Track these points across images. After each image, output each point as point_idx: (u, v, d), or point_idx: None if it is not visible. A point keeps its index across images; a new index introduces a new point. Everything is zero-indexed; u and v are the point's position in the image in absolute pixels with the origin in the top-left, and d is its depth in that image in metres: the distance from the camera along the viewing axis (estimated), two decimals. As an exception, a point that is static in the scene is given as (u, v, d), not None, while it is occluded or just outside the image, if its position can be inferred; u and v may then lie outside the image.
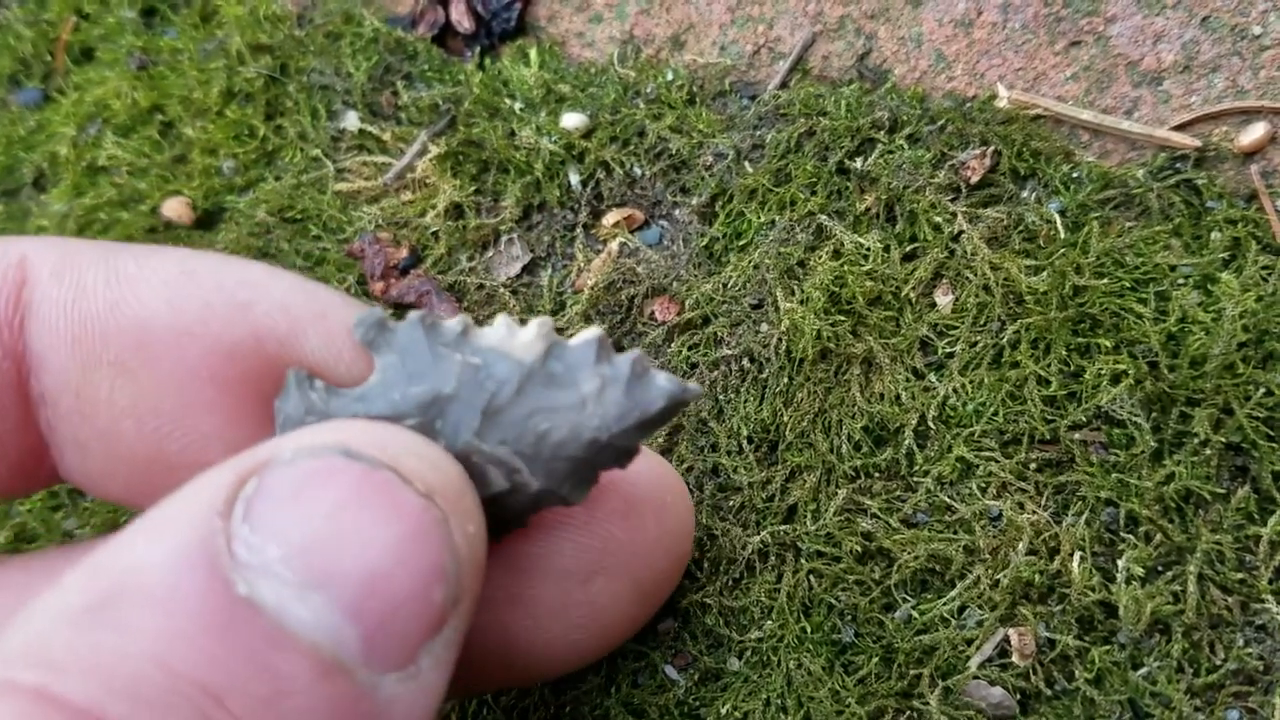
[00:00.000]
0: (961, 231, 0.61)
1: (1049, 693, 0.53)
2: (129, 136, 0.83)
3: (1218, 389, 0.55)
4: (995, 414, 0.58)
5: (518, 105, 0.74)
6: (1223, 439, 0.54)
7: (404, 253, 0.69)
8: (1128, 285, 0.58)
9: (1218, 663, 0.52)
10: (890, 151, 0.64)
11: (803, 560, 0.58)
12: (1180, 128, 0.62)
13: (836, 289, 0.60)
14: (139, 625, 0.32)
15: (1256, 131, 0.60)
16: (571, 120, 0.70)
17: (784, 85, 0.71)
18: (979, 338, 0.60)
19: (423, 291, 0.67)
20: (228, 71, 0.80)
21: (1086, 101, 0.65)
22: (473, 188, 0.71)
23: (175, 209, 0.78)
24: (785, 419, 0.60)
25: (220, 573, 0.33)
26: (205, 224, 0.78)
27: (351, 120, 0.76)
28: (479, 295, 0.68)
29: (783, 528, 0.58)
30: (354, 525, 0.36)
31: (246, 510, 0.35)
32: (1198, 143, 0.61)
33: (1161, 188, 0.61)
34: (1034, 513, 0.56)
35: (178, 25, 0.86)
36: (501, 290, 0.67)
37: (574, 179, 0.70)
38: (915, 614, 0.56)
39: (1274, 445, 0.54)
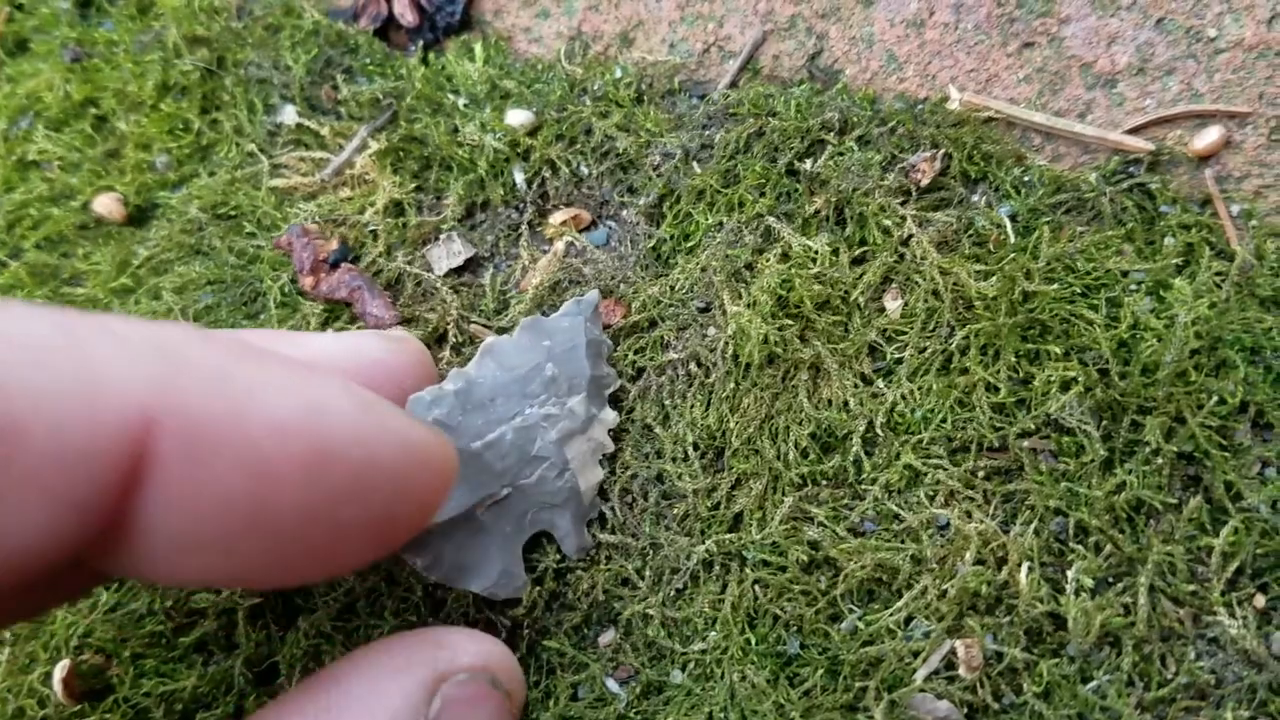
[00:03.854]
0: (911, 235, 0.60)
1: (996, 706, 0.52)
2: (61, 130, 0.80)
3: (1170, 397, 0.54)
4: (944, 421, 0.57)
5: (461, 101, 0.72)
6: (1175, 448, 0.53)
7: (334, 245, 0.67)
8: (1079, 291, 0.57)
9: (1169, 676, 0.51)
10: (840, 153, 0.63)
11: (748, 570, 0.56)
12: (1134, 131, 0.61)
13: (784, 293, 0.59)
14: None
15: (1211, 135, 0.60)
16: (517, 117, 0.68)
17: (734, 84, 0.69)
18: (928, 343, 0.58)
19: (354, 287, 0.65)
20: (164, 64, 0.77)
21: (1039, 104, 0.64)
22: (414, 185, 0.69)
23: (106, 205, 0.75)
24: (731, 425, 0.59)
25: None
26: (137, 220, 0.75)
27: (289, 115, 0.74)
28: (415, 291, 0.66)
29: (728, 536, 0.57)
30: None
31: None
32: (1151, 146, 0.60)
33: (1114, 192, 0.60)
34: (982, 522, 0.55)
35: (114, 17, 0.83)
36: (440, 287, 0.65)
37: (519, 177, 0.68)
38: (861, 625, 0.55)
39: (1226, 455, 0.53)
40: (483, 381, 0.57)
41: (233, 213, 0.72)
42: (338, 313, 0.66)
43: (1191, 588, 0.52)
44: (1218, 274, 0.57)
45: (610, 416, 0.59)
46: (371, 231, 0.68)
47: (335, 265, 0.67)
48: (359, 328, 0.65)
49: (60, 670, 0.60)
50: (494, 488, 0.56)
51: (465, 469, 0.55)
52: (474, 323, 0.64)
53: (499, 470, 0.56)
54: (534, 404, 0.57)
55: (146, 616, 0.62)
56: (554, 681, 0.57)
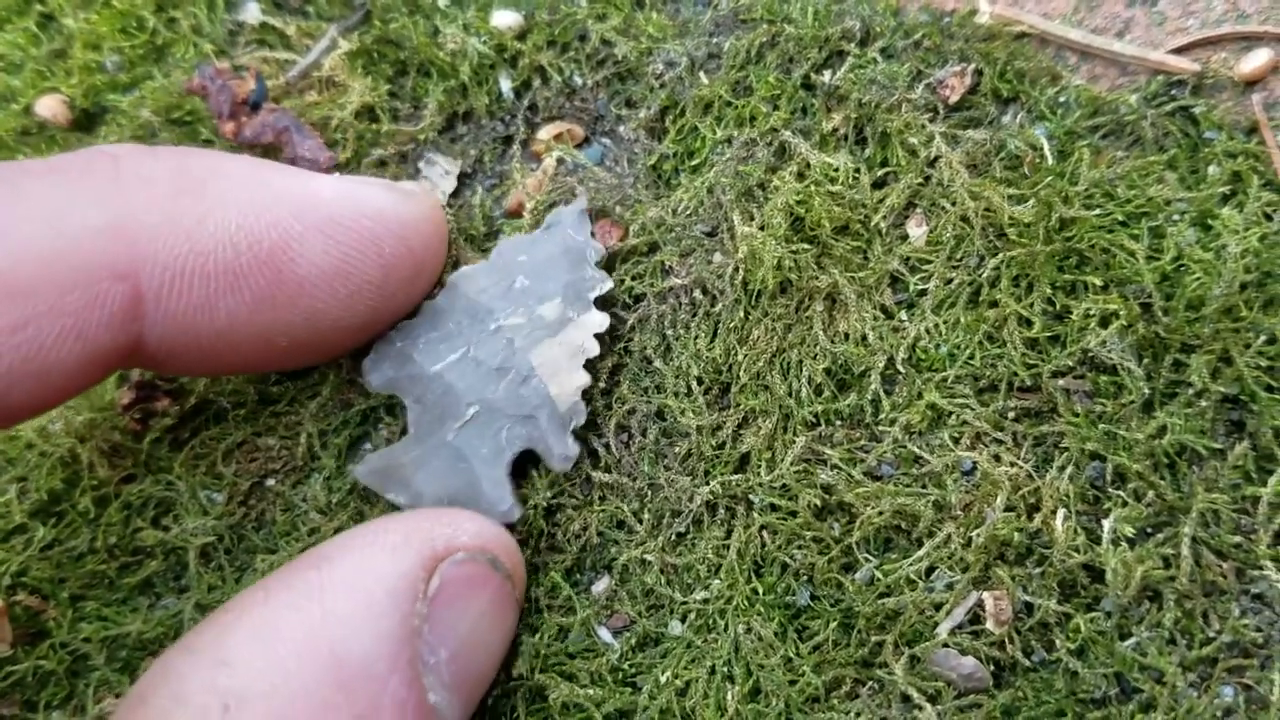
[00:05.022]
0: (939, 156, 0.55)
1: (1026, 663, 0.48)
2: (3, 28, 0.73)
3: (1216, 334, 0.50)
4: (971, 357, 0.52)
5: (442, 0, 0.65)
6: (1220, 389, 0.49)
7: (251, 84, 0.60)
8: (1119, 219, 0.53)
9: (1212, 634, 0.47)
10: (861, 66, 0.58)
11: (755, 514, 0.52)
12: (1176, 51, 0.57)
13: (801, 212, 0.54)
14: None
15: (1259, 59, 0.55)
16: (504, 18, 0.62)
17: (743, -9, 0.64)
18: (955, 273, 0.54)
19: (281, 128, 0.59)
20: (114, -45, 0.70)
21: (1075, 20, 0.59)
22: (388, 89, 0.63)
23: (51, 108, 0.68)
24: (739, 358, 0.54)
25: (418, 680, 0.42)
26: (83, 125, 0.69)
27: (252, 12, 0.67)
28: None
29: (734, 478, 0.52)
30: (486, 633, 0.47)
31: (430, 611, 0.44)
32: (1197, 67, 0.56)
33: (1156, 115, 0.55)
34: (1012, 466, 0.50)
35: (58, -97, 0.75)
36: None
37: (505, 86, 0.62)
38: (878, 575, 0.50)
39: (1275, 398, 0.49)
40: (446, 307, 0.55)
41: (187, 118, 0.65)
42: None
43: (1236, 539, 0.48)
44: (1267, 204, 0.52)
45: (596, 319, 0.54)
46: (342, 138, 0.62)
47: (256, 107, 0.60)
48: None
49: (-10, 612, 0.54)
50: (460, 408, 0.53)
51: (427, 394, 0.53)
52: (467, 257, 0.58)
53: (461, 390, 0.53)
54: (498, 318, 0.54)
55: (87, 554, 0.56)
56: (540, 620, 0.52)
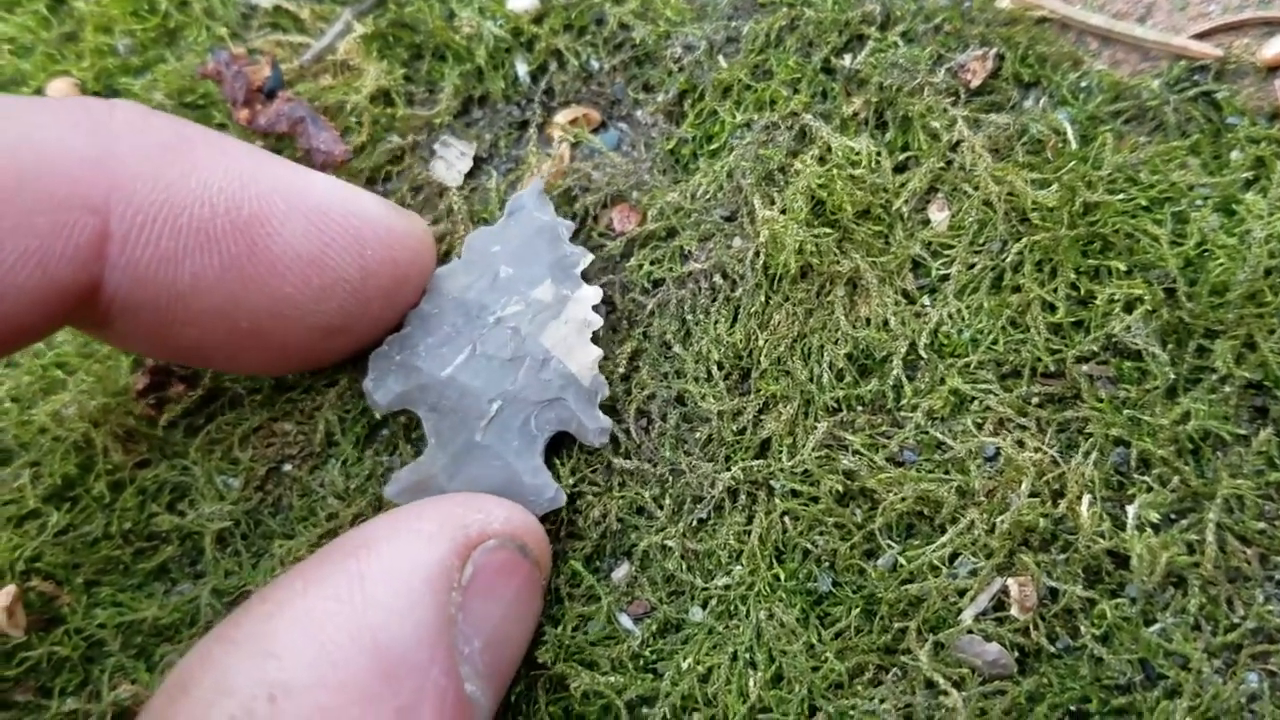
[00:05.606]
0: (961, 140, 0.55)
1: (1051, 650, 0.48)
2: (14, 11, 0.72)
3: (1240, 320, 0.50)
4: (994, 343, 0.52)
5: (459, -16, 0.65)
6: (1244, 375, 0.49)
7: (266, 71, 0.59)
8: (1142, 204, 0.52)
9: (1237, 620, 0.47)
10: (882, 50, 0.57)
11: (776, 500, 0.51)
12: (1198, 37, 0.56)
13: (823, 196, 0.53)
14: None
15: (1281, 44, 0.55)
16: (520, 2, 0.62)
17: (761, -24, 0.63)
18: (978, 258, 0.53)
19: (296, 118, 0.58)
20: (124, -63, 0.69)
21: (1096, 4, 0.58)
22: (403, 73, 0.62)
23: (61, 91, 0.68)
24: (760, 343, 0.53)
25: (455, 670, 0.42)
26: (92, 109, 0.68)
27: (266, -6, 0.66)
28: (420, 196, 0.60)
29: (755, 464, 0.52)
30: (516, 621, 0.47)
31: (463, 600, 0.43)
32: (1219, 52, 0.55)
33: (1179, 101, 0.55)
34: (1036, 451, 0.50)
35: (66, -114, 0.75)
36: (453, 195, 0.59)
37: (521, 70, 0.62)
38: (901, 561, 0.50)
39: (1300, 383, 0.49)
40: (436, 312, 0.54)
41: (201, 101, 0.65)
42: (280, 150, 0.60)
43: (1260, 525, 0.48)
44: (1291, 191, 0.52)
45: (590, 292, 0.54)
46: (356, 122, 0.61)
47: (272, 94, 0.60)
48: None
49: (5, 598, 0.54)
50: (481, 406, 0.52)
51: (442, 401, 0.53)
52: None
53: (479, 388, 0.52)
54: (495, 310, 0.53)
55: (102, 540, 0.56)
56: (561, 610, 0.52)
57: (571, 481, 0.53)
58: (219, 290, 0.46)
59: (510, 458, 0.51)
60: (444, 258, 0.58)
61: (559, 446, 0.53)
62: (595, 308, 0.54)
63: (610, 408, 0.54)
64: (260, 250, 0.46)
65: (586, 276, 0.54)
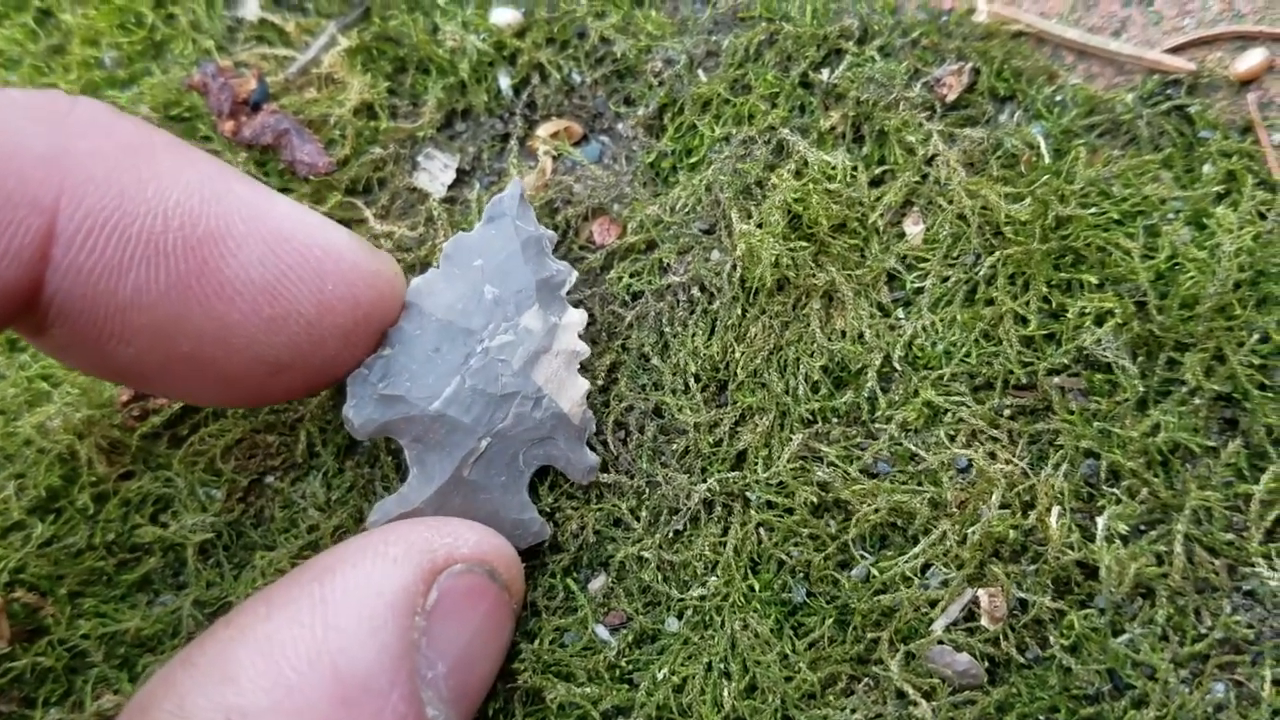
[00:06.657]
0: (936, 154, 0.55)
1: (1021, 660, 0.48)
2: (1, 24, 0.72)
3: (1210, 333, 0.50)
4: (967, 355, 0.53)
5: (442, -2, 0.65)
6: (1214, 387, 0.50)
7: (252, 84, 0.60)
8: (1115, 218, 0.53)
9: (1204, 631, 0.48)
10: (859, 64, 0.58)
11: (752, 511, 0.52)
12: (1172, 51, 0.57)
13: (799, 210, 0.54)
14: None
15: (1253, 59, 0.56)
16: (503, 16, 0.62)
17: (741, -10, 0.64)
18: (951, 271, 0.54)
19: (280, 130, 0.58)
20: (110, -50, 0.70)
21: (1072, 19, 0.59)
22: (387, 86, 0.63)
23: (45, 103, 0.68)
24: (737, 355, 0.54)
25: (416, 695, 0.42)
26: (79, 121, 0.68)
27: (251, 8, 0.67)
28: (399, 204, 0.61)
29: (731, 475, 0.52)
30: (483, 645, 0.47)
31: (427, 625, 0.43)
32: (1192, 66, 0.56)
33: (1152, 114, 0.55)
34: (1007, 463, 0.51)
35: (54, -102, 0.75)
36: (432, 203, 0.60)
37: (504, 83, 0.62)
38: (874, 572, 0.50)
39: (1268, 396, 0.50)
40: (419, 333, 0.51)
41: (186, 114, 0.65)
42: (264, 163, 0.61)
43: (1229, 537, 0.49)
44: (1261, 204, 0.53)
45: (576, 317, 0.53)
46: (340, 135, 0.62)
47: (257, 107, 0.60)
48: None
49: (-11, 608, 0.54)
50: (470, 443, 0.50)
51: (429, 434, 0.50)
52: None
53: (469, 424, 0.50)
54: (483, 338, 0.51)
55: (85, 551, 0.56)
56: (538, 624, 0.52)
57: (551, 499, 0.53)
58: (161, 307, 0.44)
59: (496, 492, 0.51)
60: (423, 266, 0.58)
61: (547, 472, 0.54)
62: (582, 334, 0.53)
63: (589, 399, 0.54)
64: (210, 271, 0.44)
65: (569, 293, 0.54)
